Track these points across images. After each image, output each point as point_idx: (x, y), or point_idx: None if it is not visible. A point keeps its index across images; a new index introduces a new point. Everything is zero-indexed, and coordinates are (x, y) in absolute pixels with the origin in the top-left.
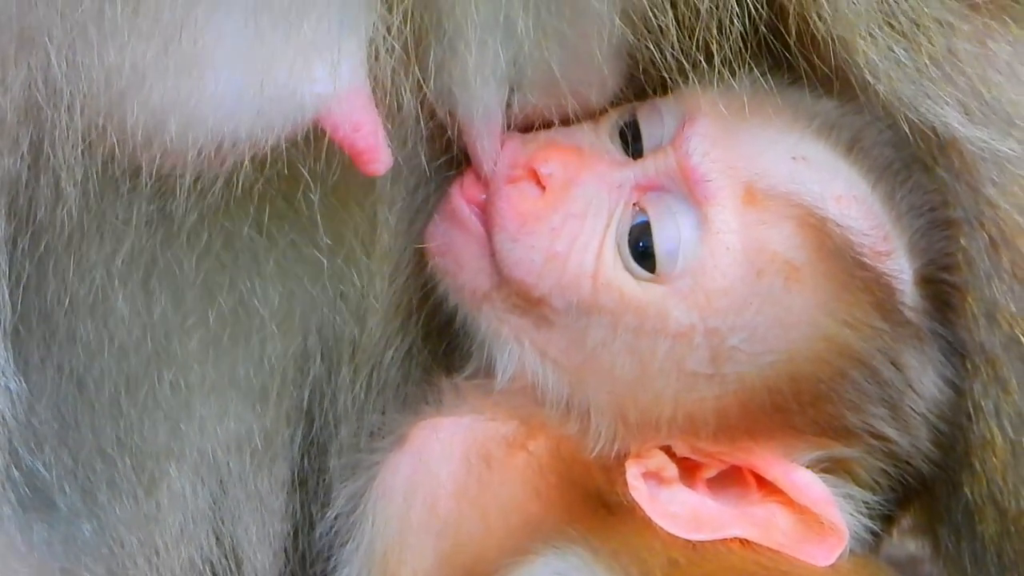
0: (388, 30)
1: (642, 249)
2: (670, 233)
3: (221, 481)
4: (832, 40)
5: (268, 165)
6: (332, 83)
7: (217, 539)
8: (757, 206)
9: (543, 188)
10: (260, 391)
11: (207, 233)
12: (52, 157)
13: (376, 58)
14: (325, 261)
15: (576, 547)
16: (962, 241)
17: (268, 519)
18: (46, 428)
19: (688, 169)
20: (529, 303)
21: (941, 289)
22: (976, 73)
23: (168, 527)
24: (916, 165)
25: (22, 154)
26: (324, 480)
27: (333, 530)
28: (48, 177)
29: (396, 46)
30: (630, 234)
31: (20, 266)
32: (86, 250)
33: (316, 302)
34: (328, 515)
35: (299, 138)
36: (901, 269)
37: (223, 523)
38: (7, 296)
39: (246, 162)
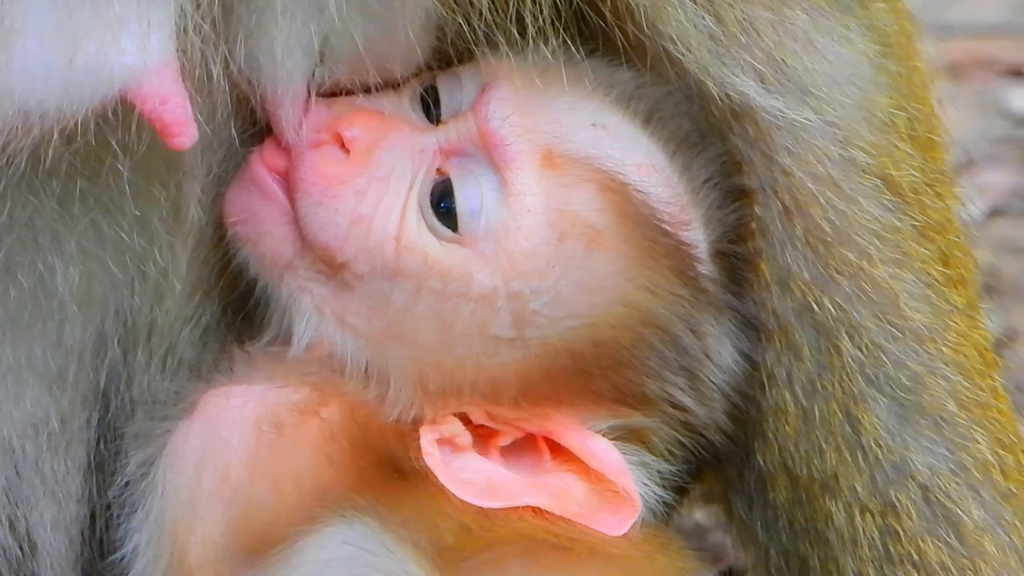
0: (197, 4)
1: (444, 209)
2: (472, 193)
3: (15, 465)
4: (643, 9)
5: (76, 139)
6: (141, 56)
7: (11, 524)
8: (557, 169)
9: (347, 152)
10: (57, 374)
11: (9, 207)
12: None
13: (185, 32)
14: (127, 240)
15: (365, 516)
16: (756, 210)
17: (64, 503)
18: None
19: (487, 133)
20: (332, 269)
21: (734, 263)
22: (773, 41)
23: None
24: (712, 136)
25: None
26: (120, 463)
27: (123, 498)
28: None
29: (204, 21)
30: (432, 193)
31: None
32: None
33: (116, 282)
34: (118, 483)
35: (108, 112)
36: (699, 240)
37: (16, 508)
38: None
39: (54, 136)
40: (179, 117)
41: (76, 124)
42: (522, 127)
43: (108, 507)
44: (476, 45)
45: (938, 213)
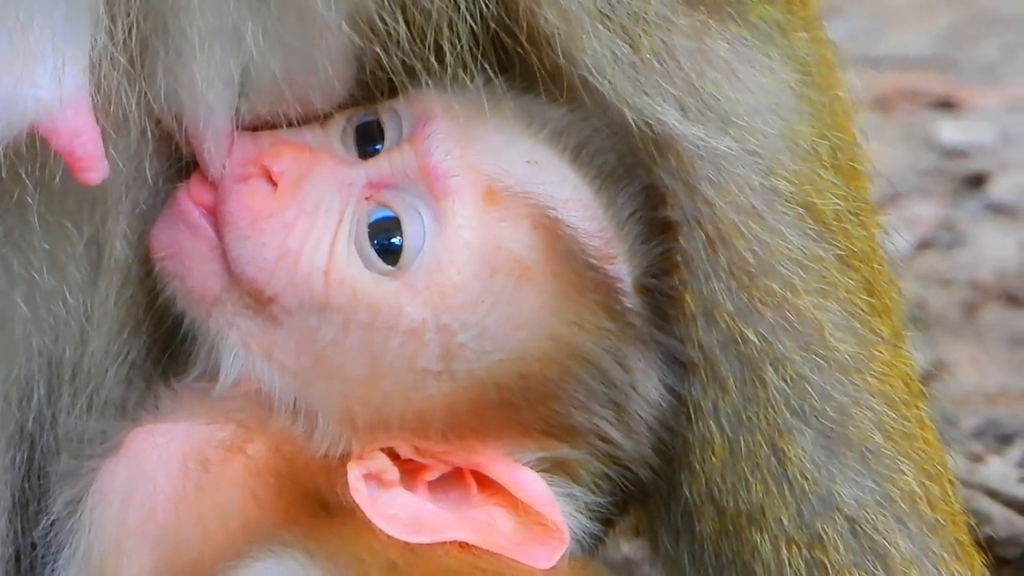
0: (113, 39)
1: (387, 244)
2: (416, 228)
3: None
4: (558, 36)
5: None
6: (55, 90)
7: None
8: (497, 204)
9: (274, 185)
10: None
11: None
12: None
13: (100, 66)
14: (39, 279)
15: (293, 551)
16: (680, 241)
17: None
18: None
19: (429, 166)
20: (260, 303)
21: (658, 298)
22: (694, 70)
23: None
24: (637, 170)
25: None
26: (45, 504)
27: (50, 537)
28: None
29: (122, 55)
30: (374, 228)
31: None
32: None
33: (36, 323)
34: (44, 522)
35: (21, 146)
36: (624, 274)
37: None
38: None
39: None
40: (90, 152)
41: None
42: (465, 161)
43: (32, 547)
44: (395, 75)
45: (862, 242)
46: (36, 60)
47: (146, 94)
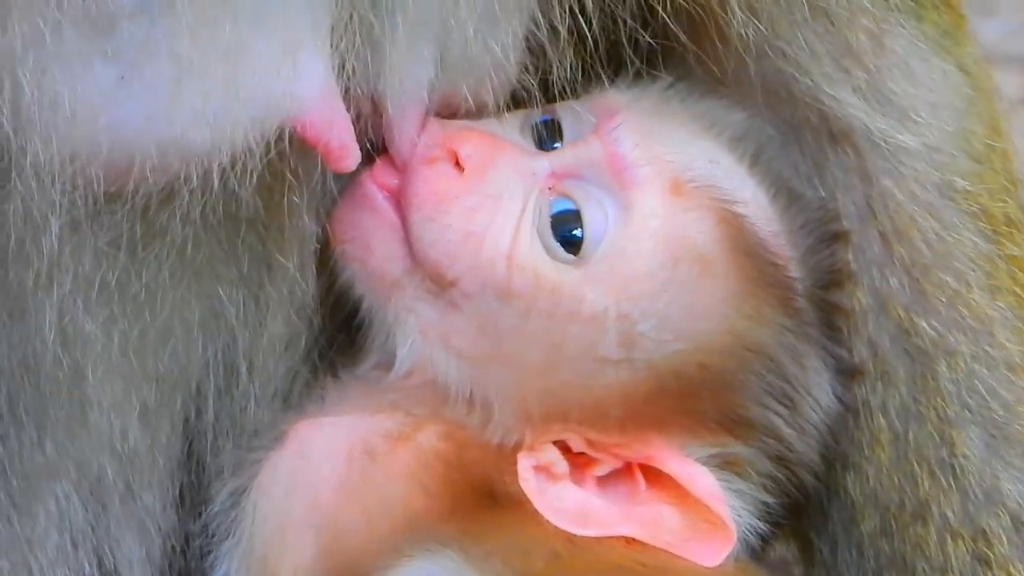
0: (346, 27)
1: (569, 235)
2: (598, 219)
3: (104, 500)
4: (761, 25)
5: (243, 171)
6: (305, 84)
7: (99, 561)
8: (682, 197)
9: (460, 169)
10: (156, 406)
11: (170, 248)
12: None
13: (342, 63)
14: (246, 266)
15: (449, 550)
16: (852, 237)
17: (153, 537)
18: None
19: (617, 157)
20: (441, 288)
21: (827, 309)
22: (874, 64)
23: (45, 549)
24: (809, 173)
25: None
26: (206, 495)
27: (212, 527)
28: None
29: (351, 45)
30: (556, 219)
31: None
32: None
33: (221, 312)
34: (208, 512)
35: (273, 142)
36: (800, 278)
37: (105, 543)
38: None
39: (222, 171)
40: (346, 141)
41: (243, 157)
42: (652, 153)
43: (187, 539)
44: (572, 78)
45: (1021, 249)
46: (286, 56)
47: (360, 79)
